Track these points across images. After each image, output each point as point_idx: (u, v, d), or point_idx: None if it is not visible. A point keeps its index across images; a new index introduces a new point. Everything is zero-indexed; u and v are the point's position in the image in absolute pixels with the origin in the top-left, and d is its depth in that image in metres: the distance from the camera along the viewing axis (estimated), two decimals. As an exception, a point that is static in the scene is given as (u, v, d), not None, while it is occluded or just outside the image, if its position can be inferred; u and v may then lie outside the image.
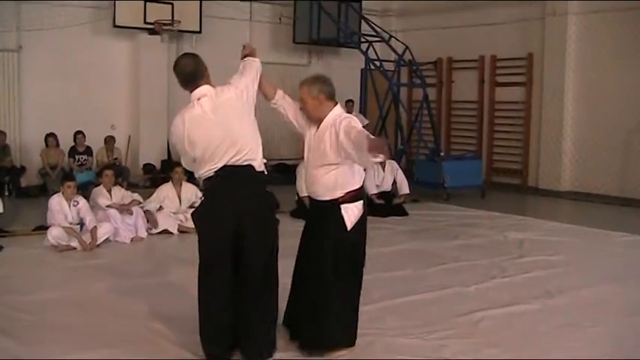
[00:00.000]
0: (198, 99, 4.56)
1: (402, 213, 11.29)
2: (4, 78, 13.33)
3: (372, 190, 11.19)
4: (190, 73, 4.61)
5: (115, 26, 13.83)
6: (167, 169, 12.49)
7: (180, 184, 9.83)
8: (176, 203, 9.74)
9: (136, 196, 9.55)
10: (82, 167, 13.04)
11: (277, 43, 16.33)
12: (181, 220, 9.58)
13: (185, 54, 4.86)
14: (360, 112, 15.00)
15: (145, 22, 13.98)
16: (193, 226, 4.95)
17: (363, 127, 4.94)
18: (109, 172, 9.44)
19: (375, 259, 7.96)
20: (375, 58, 14.74)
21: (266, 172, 4.75)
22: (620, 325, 5.84)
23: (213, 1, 14.87)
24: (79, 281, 7.01)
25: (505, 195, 14.11)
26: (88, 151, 13.32)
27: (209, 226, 4.62)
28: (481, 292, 6.78)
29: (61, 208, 8.61)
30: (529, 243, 9.20)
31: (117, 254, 8.34)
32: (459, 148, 16.26)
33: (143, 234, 9.18)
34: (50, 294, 6.45)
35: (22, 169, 13.10)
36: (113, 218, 8.93)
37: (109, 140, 13.55)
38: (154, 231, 9.39)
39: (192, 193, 9.77)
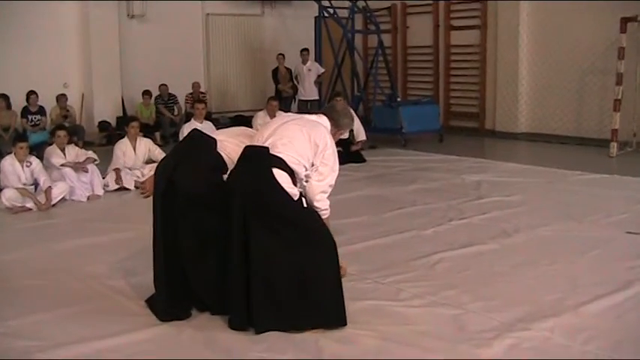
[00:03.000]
0: None
1: (360, 159, 11.32)
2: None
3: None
4: None
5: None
6: (123, 126, 12.36)
7: (136, 139, 9.74)
8: (132, 158, 9.64)
9: (91, 153, 9.40)
10: (36, 128, 12.78)
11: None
12: (138, 176, 9.51)
13: None
14: (316, 60, 14.84)
15: (91, -23, 13.68)
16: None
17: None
18: (61, 133, 9.25)
19: (332, 206, 7.99)
20: (328, 5, 14.56)
21: None
22: (576, 262, 5.90)
23: (161, -48, 14.57)
24: (34, 242, 6.91)
25: (463, 139, 14.18)
26: (42, 111, 13.05)
27: None
28: (439, 234, 6.84)
29: (13, 169, 8.47)
30: (487, 184, 9.28)
31: (73, 213, 8.24)
32: (415, 93, 16.25)
33: (100, 192, 9.09)
34: (4, 256, 6.37)
35: (-25, 132, 12.81)
36: (68, 177, 8.81)
37: (61, 98, 13.28)
38: (110, 188, 9.30)
39: (147, 147, 9.73)
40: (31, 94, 12.91)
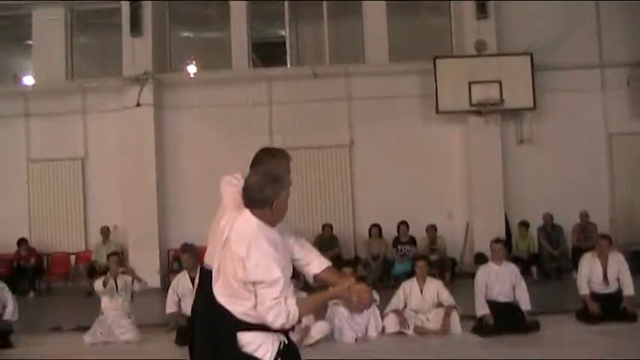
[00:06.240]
0: None
1: (628, 318, 8.48)
2: (338, 170, 14.00)
3: (584, 291, 8.80)
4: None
5: (438, 112, 13.54)
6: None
7: (425, 279, 8.97)
8: (418, 299, 8.88)
9: (374, 293, 8.95)
10: (404, 258, 12.78)
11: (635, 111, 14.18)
12: (422, 321, 8.69)
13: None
14: None
15: (471, 105, 13.43)
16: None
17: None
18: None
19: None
20: None
21: None
22: None
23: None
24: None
25: None
26: (412, 241, 13.08)
27: None
28: None
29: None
30: None
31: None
32: None
33: (373, 333, 8.55)
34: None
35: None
36: (338, 315, 8.47)
37: (430, 229, 13.10)
38: (390, 330, 8.67)
39: (435, 289, 8.88)
40: (402, 224, 13.06)
